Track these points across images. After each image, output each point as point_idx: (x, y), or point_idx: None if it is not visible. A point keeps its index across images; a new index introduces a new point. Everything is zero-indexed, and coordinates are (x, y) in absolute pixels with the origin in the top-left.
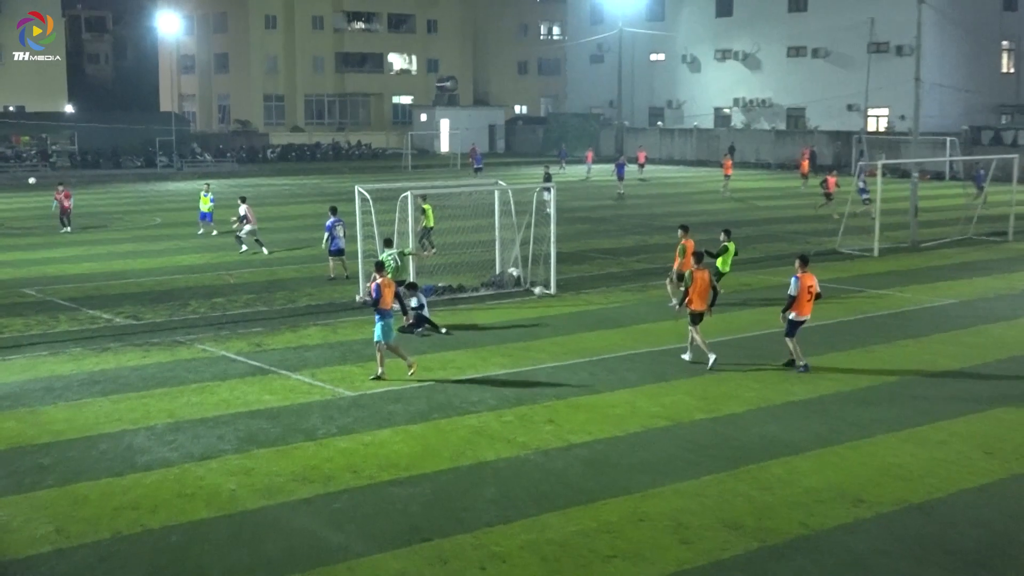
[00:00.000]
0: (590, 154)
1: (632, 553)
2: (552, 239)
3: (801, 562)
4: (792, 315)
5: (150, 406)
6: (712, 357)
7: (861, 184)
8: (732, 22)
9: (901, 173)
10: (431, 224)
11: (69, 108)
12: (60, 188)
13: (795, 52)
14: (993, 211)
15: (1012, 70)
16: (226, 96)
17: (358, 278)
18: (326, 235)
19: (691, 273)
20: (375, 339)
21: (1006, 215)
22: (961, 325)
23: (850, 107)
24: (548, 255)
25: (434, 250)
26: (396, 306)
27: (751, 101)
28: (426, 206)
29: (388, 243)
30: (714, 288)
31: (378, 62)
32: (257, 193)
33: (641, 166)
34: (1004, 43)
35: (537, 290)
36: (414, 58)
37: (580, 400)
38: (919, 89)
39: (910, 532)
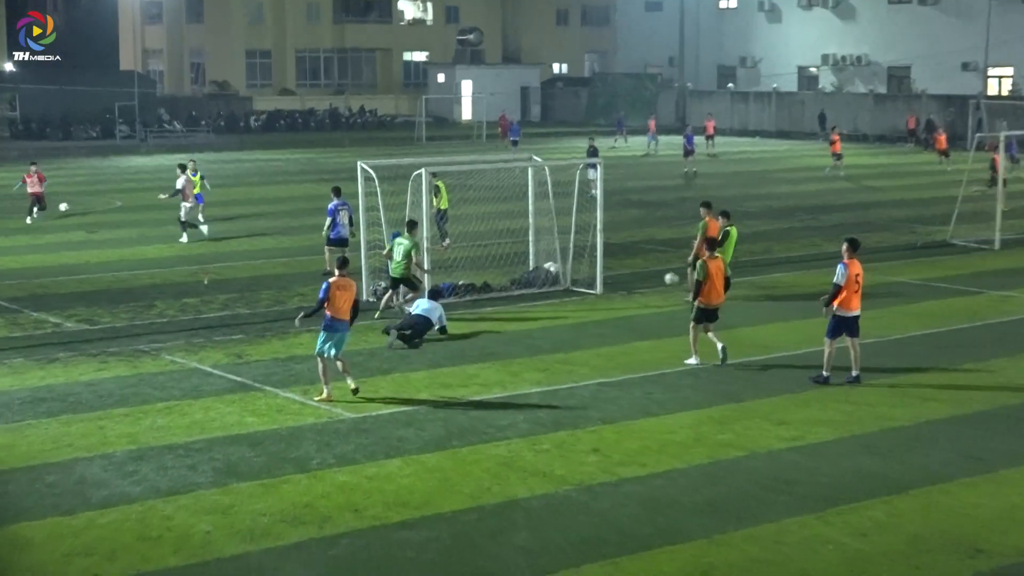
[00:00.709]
0: (653, 123)
1: None
2: (598, 227)
3: None
4: (837, 309)
5: (107, 430)
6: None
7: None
8: None
9: None
10: (445, 206)
11: (8, 67)
12: (33, 169)
13: None
14: None
15: None
16: (200, 52)
17: (360, 274)
18: (328, 220)
19: (704, 264)
20: (316, 350)
21: None
22: None
23: (965, 66)
24: (593, 247)
25: (448, 240)
26: (404, 317)
27: (843, 59)
28: (439, 183)
29: (412, 226)
30: (727, 279)
31: (386, 10)
32: (238, 170)
33: (709, 138)
34: None
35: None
36: (429, 6)
37: (632, 425)
38: None
39: None
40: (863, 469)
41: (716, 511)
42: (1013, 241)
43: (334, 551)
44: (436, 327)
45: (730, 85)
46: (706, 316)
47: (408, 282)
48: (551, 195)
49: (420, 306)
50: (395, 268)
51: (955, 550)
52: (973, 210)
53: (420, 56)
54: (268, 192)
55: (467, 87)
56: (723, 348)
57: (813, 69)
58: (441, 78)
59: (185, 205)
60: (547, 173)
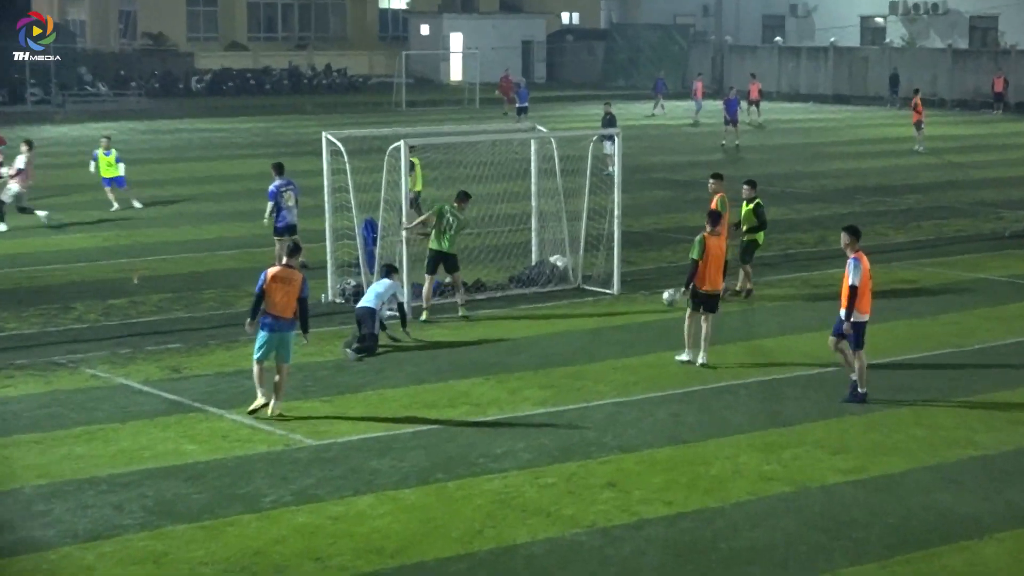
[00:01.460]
0: (699, 85)
1: None
2: (616, 212)
3: None
4: (856, 315)
5: (14, 460)
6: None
7: None
8: None
9: None
10: (420, 188)
11: None
12: None
13: None
14: None
15: None
16: None
17: (325, 269)
18: (270, 205)
19: (702, 240)
20: (253, 354)
21: None
22: None
23: None
24: (610, 237)
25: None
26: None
27: (916, 6)
28: (414, 159)
29: (465, 197)
30: (726, 263)
31: None
32: (176, 142)
33: (753, 103)
34: None
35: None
36: None
37: (657, 454)
38: None
39: None
40: (938, 507)
41: (758, 559)
42: None
43: None
44: (387, 313)
45: (778, 39)
46: (701, 303)
47: (453, 261)
48: (558, 173)
49: (373, 291)
50: (446, 242)
51: None
52: None
53: (399, 3)
54: (213, 169)
55: (456, 41)
56: (703, 364)
57: (879, 19)
58: (425, 30)
59: (13, 187)
60: (554, 146)
